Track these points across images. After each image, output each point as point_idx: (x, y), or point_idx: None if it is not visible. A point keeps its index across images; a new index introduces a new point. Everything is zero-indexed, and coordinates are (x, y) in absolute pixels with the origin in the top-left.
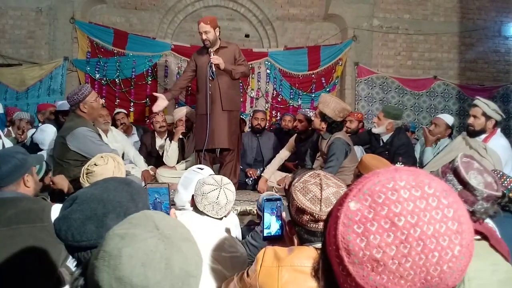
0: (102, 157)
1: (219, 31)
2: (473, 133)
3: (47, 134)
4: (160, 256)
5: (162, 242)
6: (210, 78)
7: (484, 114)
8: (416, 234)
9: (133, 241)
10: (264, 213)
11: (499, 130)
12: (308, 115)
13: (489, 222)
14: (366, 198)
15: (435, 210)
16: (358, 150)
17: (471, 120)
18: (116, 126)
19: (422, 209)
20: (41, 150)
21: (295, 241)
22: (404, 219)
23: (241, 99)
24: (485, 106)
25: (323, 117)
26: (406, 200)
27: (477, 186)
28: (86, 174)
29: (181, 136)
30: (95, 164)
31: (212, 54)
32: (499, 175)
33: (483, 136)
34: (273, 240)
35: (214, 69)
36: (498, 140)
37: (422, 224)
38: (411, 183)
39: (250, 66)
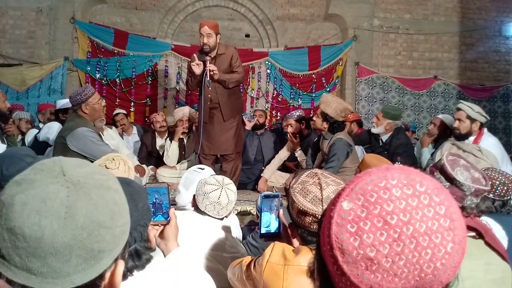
0: (113, 159)
1: (220, 38)
2: (460, 137)
3: (53, 130)
4: (60, 203)
5: (66, 189)
6: (208, 84)
7: (468, 117)
8: (408, 232)
9: (30, 187)
10: (262, 211)
11: (485, 130)
12: (296, 115)
13: (488, 220)
14: (359, 198)
15: (427, 207)
16: (359, 150)
17: (456, 123)
18: (116, 127)
19: (414, 207)
20: (49, 146)
21: (296, 242)
22: (397, 217)
23: (242, 99)
24: (468, 109)
25: (325, 117)
26: (398, 199)
27: (464, 182)
28: None
29: (181, 136)
30: (106, 167)
31: (208, 62)
32: (504, 188)
33: (472, 138)
34: (271, 237)
35: (208, 78)
36: (488, 140)
37: (415, 222)
38: (402, 181)
39: (251, 66)
